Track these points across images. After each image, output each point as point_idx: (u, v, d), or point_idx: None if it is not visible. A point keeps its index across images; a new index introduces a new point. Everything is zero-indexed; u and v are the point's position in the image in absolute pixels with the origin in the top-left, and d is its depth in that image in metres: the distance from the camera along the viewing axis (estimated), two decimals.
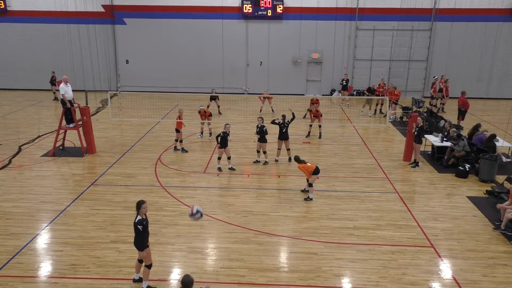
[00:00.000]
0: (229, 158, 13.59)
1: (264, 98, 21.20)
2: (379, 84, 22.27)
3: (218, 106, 21.42)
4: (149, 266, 7.63)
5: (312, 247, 9.14)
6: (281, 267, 8.44)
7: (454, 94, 22.30)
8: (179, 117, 15.32)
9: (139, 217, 7.34)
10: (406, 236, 9.66)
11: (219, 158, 13.60)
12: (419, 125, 13.76)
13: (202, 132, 17.41)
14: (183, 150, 15.47)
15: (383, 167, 14.17)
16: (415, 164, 14.11)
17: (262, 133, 13.96)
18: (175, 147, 15.57)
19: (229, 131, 13.45)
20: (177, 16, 26.09)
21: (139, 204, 7.34)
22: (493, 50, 25.72)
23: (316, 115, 17.32)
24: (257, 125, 14.16)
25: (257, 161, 14.32)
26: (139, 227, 7.30)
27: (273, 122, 14.64)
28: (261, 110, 21.37)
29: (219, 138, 13.32)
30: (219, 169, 13.55)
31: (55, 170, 13.62)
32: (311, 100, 18.90)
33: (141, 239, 7.40)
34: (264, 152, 14.14)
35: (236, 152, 15.23)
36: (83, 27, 26.11)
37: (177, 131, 15.32)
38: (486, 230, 10.00)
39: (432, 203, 11.47)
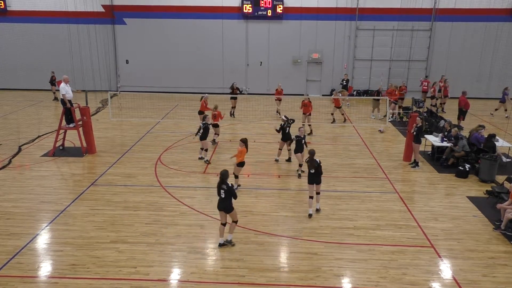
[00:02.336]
0: (300, 165, 13.00)
1: (277, 99, 20.47)
2: (400, 87, 21.80)
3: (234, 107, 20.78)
4: (236, 222, 9.07)
5: (312, 247, 9.14)
6: (281, 267, 8.44)
7: (454, 94, 22.30)
8: (217, 114, 15.68)
9: (229, 184, 8.81)
10: (406, 236, 9.66)
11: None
12: (418, 125, 13.76)
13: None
14: (213, 142, 16.15)
15: (383, 167, 14.17)
16: (415, 164, 14.10)
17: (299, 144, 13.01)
18: (214, 139, 16.14)
19: (303, 135, 12.92)
20: (177, 16, 26.10)
21: (228, 173, 8.88)
22: (493, 50, 25.75)
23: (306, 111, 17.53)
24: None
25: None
26: (235, 190, 8.90)
27: (281, 127, 14.08)
28: (278, 112, 20.53)
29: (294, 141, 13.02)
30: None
31: (55, 170, 13.62)
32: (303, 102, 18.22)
33: (231, 201, 8.82)
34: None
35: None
36: (83, 27, 26.13)
37: (216, 125, 15.70)
38: (486, 230, 10.00)
39: (432, 203, 11.47)
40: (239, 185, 11.97)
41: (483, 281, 8.06)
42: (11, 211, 10.63)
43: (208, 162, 14.16)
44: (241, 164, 11.62)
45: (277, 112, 20.66)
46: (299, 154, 12.92)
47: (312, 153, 10.39)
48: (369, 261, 8.65)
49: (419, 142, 13.93)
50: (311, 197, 10.51)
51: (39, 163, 14.07)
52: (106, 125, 19.04)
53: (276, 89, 21.06)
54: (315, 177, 10.40)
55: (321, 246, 9.17)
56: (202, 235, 9.60)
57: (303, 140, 12.85)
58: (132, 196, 11.54)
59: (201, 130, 13.96)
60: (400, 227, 10.11)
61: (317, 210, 10.75)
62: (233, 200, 8.89)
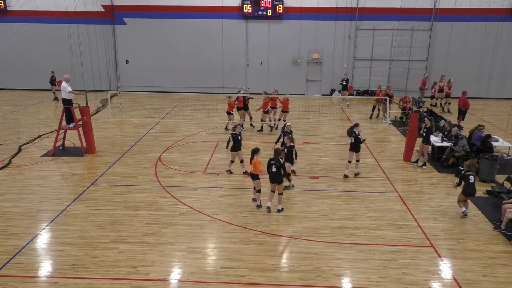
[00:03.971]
0: (288, 174, 11.90)
1: (272, 107, 18.20)
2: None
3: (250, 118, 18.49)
4: (281, 194, 10.57)
5: (312, 247, 9.14)
6: (281, 267, 8.44)
7: (454, 94, 22.30)
8: (234, 102, 17.48)
9: (281, 160, 10.31)
10: (406, 236, 9.66)
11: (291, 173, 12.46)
12: (427, 126, 13.73)
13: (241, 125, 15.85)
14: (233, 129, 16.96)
15: (383, 167, 14.17)
16: (423, 164, 14.05)
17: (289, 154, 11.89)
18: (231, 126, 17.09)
19: (292, 144, 11.88)
20: (177, 16, 26.08)
21: (280, 151, 10.50)
22: (493, 50, 25.72)
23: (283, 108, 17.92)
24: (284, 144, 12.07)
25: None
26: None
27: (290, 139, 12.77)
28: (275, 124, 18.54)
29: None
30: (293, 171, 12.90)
31: (55, 170, 13.62)
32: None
33: (281, 175, 10.29)
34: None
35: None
36: (83, 27, 26.11)
37: (230, 113, 17.58)
38: (486, 230, 9.99)
39: (432, 203, 11.47)
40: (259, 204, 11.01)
41: (483, 281, 8.06)
42: (11, 211, 10.63)
43: (246, 173, 12.80)
44: (254, 177, 10.72)
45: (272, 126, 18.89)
46: (288, 163, 11.82)
47: (355, 125, 12.82)
48: (369, 261, 8.65)
49: (428, 143, 13.91)
50: (349, 162, 12.83)
51: (39, 163, 14.07)
52: (106, 125, 19.04)
53: (270, 94, 18.36)
54: (354, 145, 12.66)
55: (321, 246, 9.17)
56: (202, 235, 9.60)
57: (293, 149, 11.75)
58: (132, 196, 11.54)
59: (231, 142, 12.77)
60: (400, 227, 10.11)
61: (356, 174, 13.03)
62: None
